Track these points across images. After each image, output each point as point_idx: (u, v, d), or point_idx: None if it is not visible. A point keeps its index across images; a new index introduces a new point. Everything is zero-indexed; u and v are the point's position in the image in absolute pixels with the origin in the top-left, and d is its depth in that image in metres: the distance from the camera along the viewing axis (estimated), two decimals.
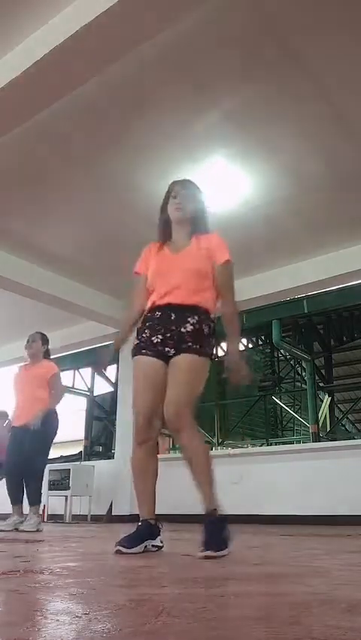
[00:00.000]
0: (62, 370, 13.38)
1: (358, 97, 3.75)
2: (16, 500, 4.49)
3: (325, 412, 12.89)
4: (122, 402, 7.46)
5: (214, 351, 2.46)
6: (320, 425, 11.54)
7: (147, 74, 3.55)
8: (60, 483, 6.94)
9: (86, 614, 0.96)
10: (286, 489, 5.61)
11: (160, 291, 2.42)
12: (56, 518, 7.20)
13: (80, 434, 13.04)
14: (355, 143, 4.21)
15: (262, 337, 14.28)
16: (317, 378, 11.91)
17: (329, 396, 13.26)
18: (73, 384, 13.44)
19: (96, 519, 6.84)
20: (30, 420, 4.37)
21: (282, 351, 13.26)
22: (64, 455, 11.46)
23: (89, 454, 12.21)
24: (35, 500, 4.42)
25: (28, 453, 4.39)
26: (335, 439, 11.10)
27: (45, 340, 4.87)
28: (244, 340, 15.36)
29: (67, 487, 6.82)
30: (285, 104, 3.83)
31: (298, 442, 14.71)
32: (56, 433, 4.64)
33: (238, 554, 2.22)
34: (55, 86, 3.43)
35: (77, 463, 8.67)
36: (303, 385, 13.18)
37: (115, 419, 7.52)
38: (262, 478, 5.85)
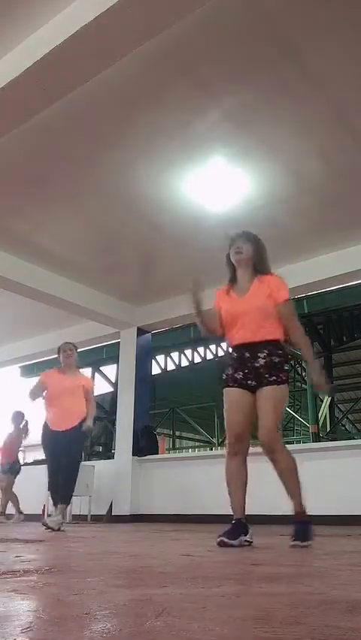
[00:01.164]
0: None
1: (358, 97, 3.75)
2: (56, 500, 4.73)
3: (325, 412, 12.89)
4: (122, 402, 7.46)
5: (285, 375, 2.86)
6: (320, 425, 11.55)
7: (147, 74, 3.55)
8: None
9: (86, 614, 0.96)
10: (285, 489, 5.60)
11: (233, 334, 2.94)
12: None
13: None
14: (355, 143, 4.21)
15: None
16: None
17: (329, 396, 13.26)
18: None
19: (96, 519, 6.84)
20: (84, 426, 4.78)
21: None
22: None
23: (89, 454, 12.21)
24: (67, 499, 4.71)
25: (71, 456, 4.72)
26: (335, 439, 11.10)
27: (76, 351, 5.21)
28: None
29: None
30: (285, 104, 3.83)
31: (298, 442, 14.71)
32: (86, 439, 5.11)
33: (238, 554, 2.23)
34: (55, 86, 3.43)
35: None
36: (303, 385, 13.18)
37: (115, 419, 7.52)
38: (262, 478, 5.83)
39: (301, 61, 3.45)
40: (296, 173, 4.61)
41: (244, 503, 2.87)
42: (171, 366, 14.23)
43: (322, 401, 13.00)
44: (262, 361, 2.80)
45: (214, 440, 15.31)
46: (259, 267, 3.02)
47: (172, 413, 14.99)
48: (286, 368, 2.87)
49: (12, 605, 1.08)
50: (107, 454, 12.07)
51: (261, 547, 2.68)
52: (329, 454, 5.89)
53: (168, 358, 14.17)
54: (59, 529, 4.34)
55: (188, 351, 14.78)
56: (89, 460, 10.91)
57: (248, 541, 2.75)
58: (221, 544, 2.60)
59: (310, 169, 4.52)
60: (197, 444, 17.31)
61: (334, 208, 5.06)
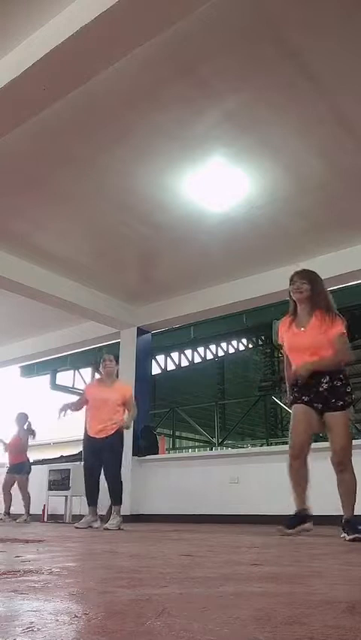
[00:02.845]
0: (62, 370, 13.45)
1: (358, 97, 3.75)
2: (91, 502, 5.10)
3: None
4: None
5: (350, 398, 3.35)
6: None
7: (147, 74, 3.55)
8: (60, 483, 6.94)
9: (86, 614, 0.96)
10: (286, 489, 5.59)
11: (296, 363, 3.39)
12: (56, 518, 7.20)
13: (81, 434, 13.03)
14: (355, 143, 4.21)
15: (262, 337, 14.30)
16: None
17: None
18: (73, 384, 13.44)
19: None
20: (125, 424, 5.12)
21: (282, 351, 13.24)
22: (64, 455, 11.45)
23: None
24: (117, 500, 5.02)
25: (112, 461, 5.05)
26: None
27: (117, 361, 5.55)
28: (244, 340, 15.37)
29: (67, 487, 6.82)
30: (285, 104, 3.83)
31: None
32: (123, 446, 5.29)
33: (238, 554, 2.23)
34: (55, 86, 3.43)
35: (77, 463, 8.65)
36: None
37: None
38: (262, 478, 5.84)
39: (301, 61, 3.45)
40: (296, 173, 4.61)
41: (305, 497, 3.37)
42: (171, 366, 14.24)
43: None
44: (325, 386, 3.28)
45: (214, 440, 15.30)
46: (317, 301, 3.44)
47: (172, 413, 14.99)
48: (349, 390, 3.32)
49: (12, 605, 1.08)
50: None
51: (261, 547, 2.68)
52: (328, 453, 5.88)
53: (168, 358, 14.18)
54: (119, 529, 4.75)
55: (188, 351, 14.80)
56: None
57: (306, 530, 3.26)
58: (280, 532, 3.19)
59: (311, 169, 4.52)
60: (197, 444, 17.31)
61: (334, 208, 5.06)
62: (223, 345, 15.78)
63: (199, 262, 6.05)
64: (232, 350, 16.13)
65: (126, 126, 4.05)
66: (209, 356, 15.52)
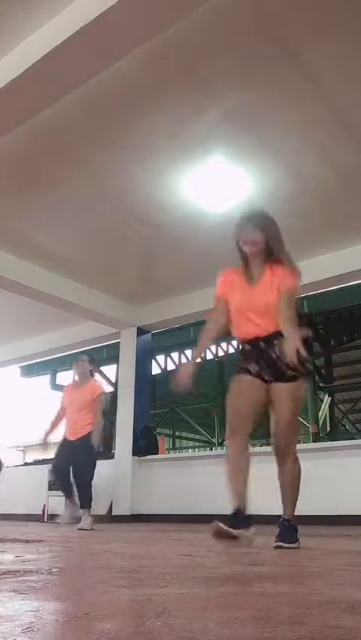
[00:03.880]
0: (62, 370, 13.43)
1: (358, 97, 3.75)
2: (68, 494, 5.04)
3: (325, 412, 12.89)
4: (122, 402, 7.46)
5: (306, 366, 2.63)
6: (320, 425, 11.55)
7: (147, 74, 3.55)
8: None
9: (86, 614, 0.96)
10: None
11: (245, 327, 2.72)
12: (56, 518, 7.19)
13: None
14: (355, 143, 4.21)
15: None
16: (316, 378, 11.91)
17: (329, 396, 13.27)
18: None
19: (96, 519, 6.82)
20: (89, 439, 4.98)
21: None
22: None
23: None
24: (86, 504, 4.96)
25: (78, 463, 4.94)
26: (334, 439, 11.10)
27: (91, 361, 5.47)
28: None
29: None
30: (285, 104, 3.83)
31: (298, 442, 14.70)
32: (99, 448, 5.26)
33: (238, 554, 2.22)
34: (55, 86, 3.43)
35: None
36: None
37: (115, 419, 7.52)
38: (262, 478, 5.83)
39: (301, 61, 3.45)
40: (296, 173, 4.61)
41: (245, 491, 2.58)
42: (171, 366, 14.23)
43: (322, 401, 13.00)
44: (278, 351, 2.55)
45: (214, 440, 15.29)
46: (273, 250, 2.76)
47: (172, 413, 14.98)
48: (305, 359, 2.53)
49: (12, 605, 1.08)
50: (107, 454, 12.05)
51: (261, 547, 2.67)
52: (329, 454, 5.89)
53: (168, 358, 14.17)
54: (91, 529, 4.71)
55: (188, 351, 14.78)
56: None
57: (248, 538, 2.33)
58: (215, 532, 2.19)
59: (311, 169, 4.52)
60: (197, 444, 17.31)
61: (334, 208, 5.06)
62: (223, 345, 15.77)
63: (199, 262, 6.04)
64: (231, 350, 16.12)
65: (126, 126, 4.05)
66: (209, 356, 15.50)
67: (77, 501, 5.04)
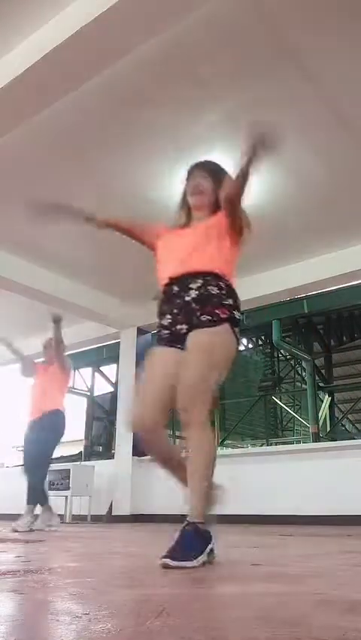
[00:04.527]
0: None
1: (358, 97, 3.75)
2: (28, 500, 4.56)
3: (325, 412, 12.89)
4: (122, 402, 7.46)
5: (226, 311, 2.03)
6: (320, 425, 11.54)
7: (146, 74, 3.55)
8: (60, 483, 6.93)
9: (86, 614, 0.96)
10: (286, 489, 5.61)
11: (163, 268, 2.18)
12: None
13: (80, 434, 13.04)
14: (355, 143, 4.21)
15: (262, 337, 14.27)
16: (317, 378, 11.91)
17: (329, 396, 13.27)
18: (73, 385, 13.43)
19: (96, 519, 6.83)
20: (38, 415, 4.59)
21: (282, 351, 13.25)
22: (64, 455, 11.47)
23: (89, 454, 12.20)
24: (29, 499, 4.47)
25: (30, 448, 4.55)
26: (334, 439, 11.11)
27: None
28: (244, 340, 15.37)
29: (67, 487, 6.82)
30: (285, 104, 3.83)
31: (298, 442, 14.71)
32: (60, 433, 4.73)
33: (238, 554, 2.23)
34: (55, 86, 3.43)
35: (77, 463, 8.67)
36: (303, 385, 13.18)
37: (115, 419, 7.52)
38: (262, 478, 5.84)
39: (301, 61, 3.45)
40: (296, 173, 4.61)
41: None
42: None
43: (322, 401, 13.00)
44: (194, 294, 2.02)
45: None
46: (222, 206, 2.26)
47: (172, 413, 14.97)
48: (228, 303, 2.04)
49: (12, 605, 1.08)
50: (107, 454, 12.06)
51: (261, 547, 2.68)
52: (329, 454, 5.89)
53: None
54: (30, 531, 4.26)
55: None
56: (89, 460, 10.93)
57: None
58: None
59: (311, 169, 4.52)
60: None
61: (334, 208, 5.06)
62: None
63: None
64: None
65: (126, 126, 4.05)
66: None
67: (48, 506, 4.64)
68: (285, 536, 3.39)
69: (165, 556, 1.63)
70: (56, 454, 11.53)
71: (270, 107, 3.86)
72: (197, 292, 2.03)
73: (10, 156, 4.34)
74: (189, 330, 1.99)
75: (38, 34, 3.22)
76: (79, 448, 12.63)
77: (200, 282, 2.04)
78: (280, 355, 14.35)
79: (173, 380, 1.91)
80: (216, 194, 2.29)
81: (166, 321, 2.07)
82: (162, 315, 2.11)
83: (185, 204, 2.37)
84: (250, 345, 15.13)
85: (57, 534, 4.02)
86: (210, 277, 2.06)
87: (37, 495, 4.51)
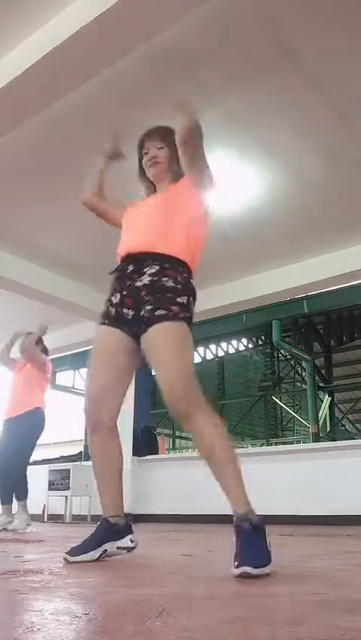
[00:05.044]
0: (62, 370, 13.37)
1: (358, 97, 3.75)
2: (4, 500, 4.55)
3: (325, 412, 12.90)
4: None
5: (178, 308, 1.88)
6: (320, 425, 11.55)
7: (146, 74, 3.55)
8: (60, 483, 6.94)
9: (86, 614, 0.96)
10: (286, 489, 5.62)
11: (123, 241, 2.14)
12: (56, 518, 7.20)
13: (80, 434, 13.05)
14: (355, 143, 4.21)
15: (262, 337, 14.28)
16: (317, 378, 11.92)
17: (329, 396, 13.28)
18: (73, 385, 13.45)
19: (96, 519, 6.82)
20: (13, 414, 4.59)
21: (282, 351, 13.26)
22: (64, 455, 11.47)
23: (89, 454, 12.21)
24: (4, 499, 4.49)
25: (6, 444, 4.53)
26: (334, 439, 11.11)
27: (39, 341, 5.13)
28: (244, 340, 15.38)
29: (67, 487, 6.83)
30: (285, 104, 3.83)
31: (298, 442, 14.72)
32: (39, 431, 4.71)
33: None
34: (55, 86, 3.42)
35: (77, 463, 8.67)
36: (303, 385, 13.20)
37: None
38: (262, 478, 5.84)
39: (301, 61, 3.45)
40: (296, 173, 4.61)
41: (120, 494, 2.03)
42: None
43: (322, 401, 13.01)
44: (146, 279, 1.91)
45: None
46: (178, 168, 2.19)
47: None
48: (181, 302, 1.90)
49: (12, 605, 1.08)
50: None
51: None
52: (329, 454, 5.90)
53: None
54: (24, 530, 4.29)
55: None
56: (89, 460, 10.93)
57: (126, 548, 1.95)
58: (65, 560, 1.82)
59: (311, 169, 4.52)
60: None
61: (334, 208, 5.06)
62: (223, 345, 15.78)
63: (198, 262, 6.05)
64: (232, 350, 16.14)
65: (126, 126, 4.04)
66: (209, 356, 15.51)
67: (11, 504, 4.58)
68: (285, 536, 3.39)
69: (239, 565, 1.49)
70: (56, 454, 11.56)
71: (270, 107, 3.86)
72: (150, 279, 1.91)
73: (9, 156, 4.34)
74: (134, 318, 1.93)
75: (38, 34, 3.21)
76: (79, 448, 12.64)
77: (157, 267, 1.93)
78: (280, 355, 14.35)
79: (115, 363, 1.95)
80: (175, 158, 2.20)
81: (116, 299, 2.01)
82: (113, 291, 2.04)
83: (144, 175, 2.35)
84: (250, 345, 15.14)
85: (56, 534, 4.02)
86: (168, 264, 1.94)
87: (22, 490, 4.52)
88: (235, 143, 4.24)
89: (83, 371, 13.27)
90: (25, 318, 7.86)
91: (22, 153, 4.34)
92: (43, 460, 9.14)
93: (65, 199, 5.05)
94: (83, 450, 12.37)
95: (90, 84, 3.46)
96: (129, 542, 1.97)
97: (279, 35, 3.26)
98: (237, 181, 4.70)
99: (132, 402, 7.24)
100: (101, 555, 1.91)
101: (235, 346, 16.22)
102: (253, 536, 1.63)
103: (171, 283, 1.91)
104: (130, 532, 2.01)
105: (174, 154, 2.19)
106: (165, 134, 2.27)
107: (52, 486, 7.02)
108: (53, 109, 3.69)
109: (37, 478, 7.36)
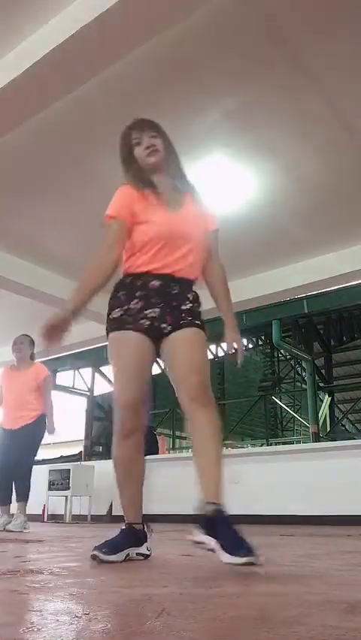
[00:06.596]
0: (62, 370, 13.40)
1: (358, 97, 3.75)
2: (4, 501, 4.64)
3: (325, 412, 12.90)
4: None
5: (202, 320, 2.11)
6: (320, 425, 11.56)
7: (147, 74, 3.55)
8: (60, 483, 6.94)
9: (86, 614, 0.96)
10: (286, 489, 5.62)
11: (163, 258, 2.03)
12: (56, 518, 7.20)
13: (80, 434, 13.05)
14: (355, 143, 4.21)
15: (262, 337, 14.29)
16: (317, 378, 11.92)
17: (329, 396, 13.28)
18: (73, 385, 13.44)
19: (96, 519, 6.83)
20: (48, 429, 4.72)
21: (282, 351, 13.26)
22: (64, 455, 11.47)
23: (89, 454, 12.21)
24: (23, 497, 4.55)
25: (18, 453, 4.56)
26: (334, 439, 11.11)
27: (32, 343, 5.01)
28: (244, 340, 15.37)
29: (67, 487, 6.82)
30: (285, 104, 3.83)
31: (298, 442, 14.72)
32: (43, 436, 4.82)
33: None
34: (55, 86, 3.43)
35: (77, 463, 8.67)
36: (303, 385, 13.19)
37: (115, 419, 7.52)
38: (262, 478, 5.84)
39: (301, 61, 3.45)
40: (296, 173, 4.61)
41: (141, 502, 2.17)
42: None
43: (322, 401, 13.01)
44: (188, 305, 2.04)
45: None
46: (177, 173, 2.21)
47: (172, 413, 14.99)
48: (202, 324, 2.10)
49: (12, 605, 1.08)
50: (107, 454, 12.07)
51: (261, 547, 2.67)
52: (329, 454, 5.89)
53: None
54: (22, 531, 4.33)
55: None
56: (89, 460, 10.93)
57: (143, 555, 2.00)
58: (94, 559, 1.84)
59: (311, 169, 4.52)
60: None
61: (334, 208, 5.06)
62: (223, 345, 15.77)
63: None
64: (232, 350, 16.10)
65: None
66: (209, 356, 15.51)
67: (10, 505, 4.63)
68: (285, 536, 3.39)
69: (246, 554, 1.60)
70: (56, 454, 11.54)
71: (270, 107, 3.86)
72: (190, 305, 2.05)
73: (10, 156, 4.34)
74: (172, 328, 2.00)
75: (38, 34, 3.21)
76: (79, 448, 12.64)
77: (194, 294, 2.10)
78: (280, 355, 14.35)
79: (148, 368, 2.09)
80: (170, 149, 2.24)
81: (155, 314, 1.99)
82: (150, 305, 2.01)
83: (133, 162, 2.30)
84: (250, 345, 15.14)
85: (56, 534, 4.02)
86: (196, 290, 2.13)
87: (25, 493, 4.61)
88: (235, 143, 4.24)
89: (83, 371, 13.26)
90: (26, 318, 7.88)
91: (22, 153, 4.34)
92: (43, 460, 9.13)
93: (65, 199, 5.06)
94: (83, 450, 12.37)
95: (90, 84, 3.46)
96: (146, 550, 2.05)
97: (279, 35, 3.26)
98: (237, 181, 4.70)
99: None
100: (124, 559, 1.96)
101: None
102: (233, 526, 1.76)
103: (199, 309, 2.11)
104: (146, 539, 2.08)
105: (168, 144, 2.24)
106: (154, 124, 2.27)
107: (52, 486, 7.02)
108: (53, 109, 3.69)
109: (37, 478, 7.37)
